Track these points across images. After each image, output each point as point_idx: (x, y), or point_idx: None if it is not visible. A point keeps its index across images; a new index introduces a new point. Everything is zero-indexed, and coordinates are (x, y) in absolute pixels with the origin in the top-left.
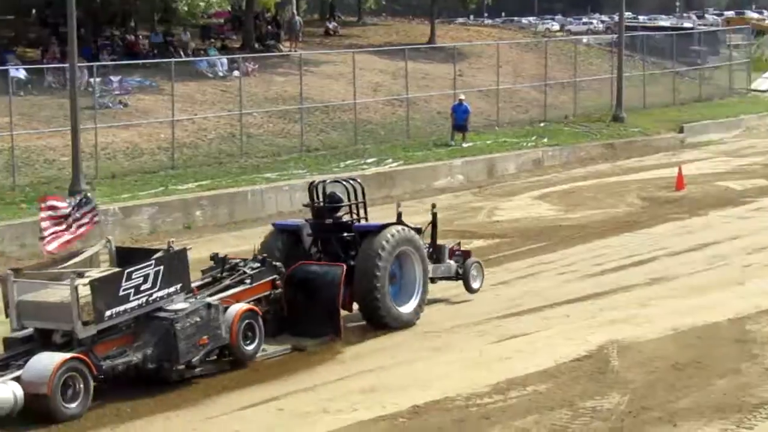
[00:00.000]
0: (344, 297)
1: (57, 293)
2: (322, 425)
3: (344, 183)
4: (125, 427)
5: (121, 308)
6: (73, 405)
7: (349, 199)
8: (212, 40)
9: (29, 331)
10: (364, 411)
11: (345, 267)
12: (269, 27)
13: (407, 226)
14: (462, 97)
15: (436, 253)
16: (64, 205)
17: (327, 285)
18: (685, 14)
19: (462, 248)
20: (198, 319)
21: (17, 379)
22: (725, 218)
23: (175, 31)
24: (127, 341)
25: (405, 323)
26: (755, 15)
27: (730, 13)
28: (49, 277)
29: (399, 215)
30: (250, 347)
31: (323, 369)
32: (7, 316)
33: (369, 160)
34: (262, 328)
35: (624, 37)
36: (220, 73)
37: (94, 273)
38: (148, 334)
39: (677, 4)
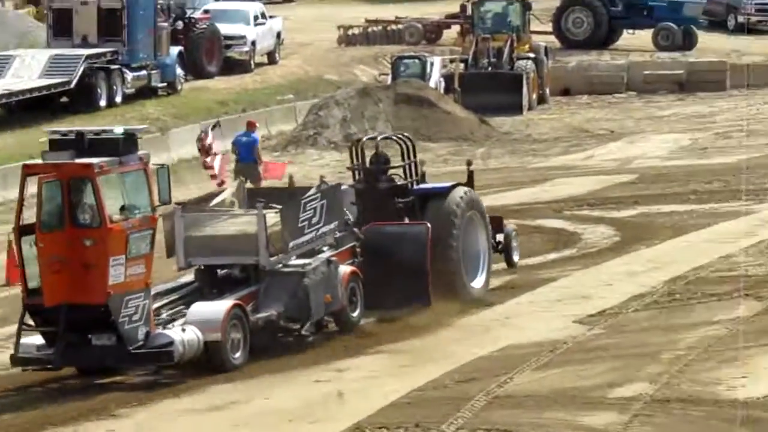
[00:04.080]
0: None
1: (233, 225)
2: None
3: (395, 138)
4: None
5: (300, 240)
6: (238, 354)
7: (402, 159)
8: None
9: (171, 284)
10: None
11: (429, 225)
12: None
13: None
14: None
15: None
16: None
17: (410, 246)
18: None
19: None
20: (321, 276)
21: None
22: None
23: None
24: (256, 297)
25: (477, 299)
26: None
27: None
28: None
29: (470, 174)
30: (355, 313)
31: None
32: (168, 255)
33: None
34: (362, 292)
35: None
36: None
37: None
38: (279, 290)
39: None
